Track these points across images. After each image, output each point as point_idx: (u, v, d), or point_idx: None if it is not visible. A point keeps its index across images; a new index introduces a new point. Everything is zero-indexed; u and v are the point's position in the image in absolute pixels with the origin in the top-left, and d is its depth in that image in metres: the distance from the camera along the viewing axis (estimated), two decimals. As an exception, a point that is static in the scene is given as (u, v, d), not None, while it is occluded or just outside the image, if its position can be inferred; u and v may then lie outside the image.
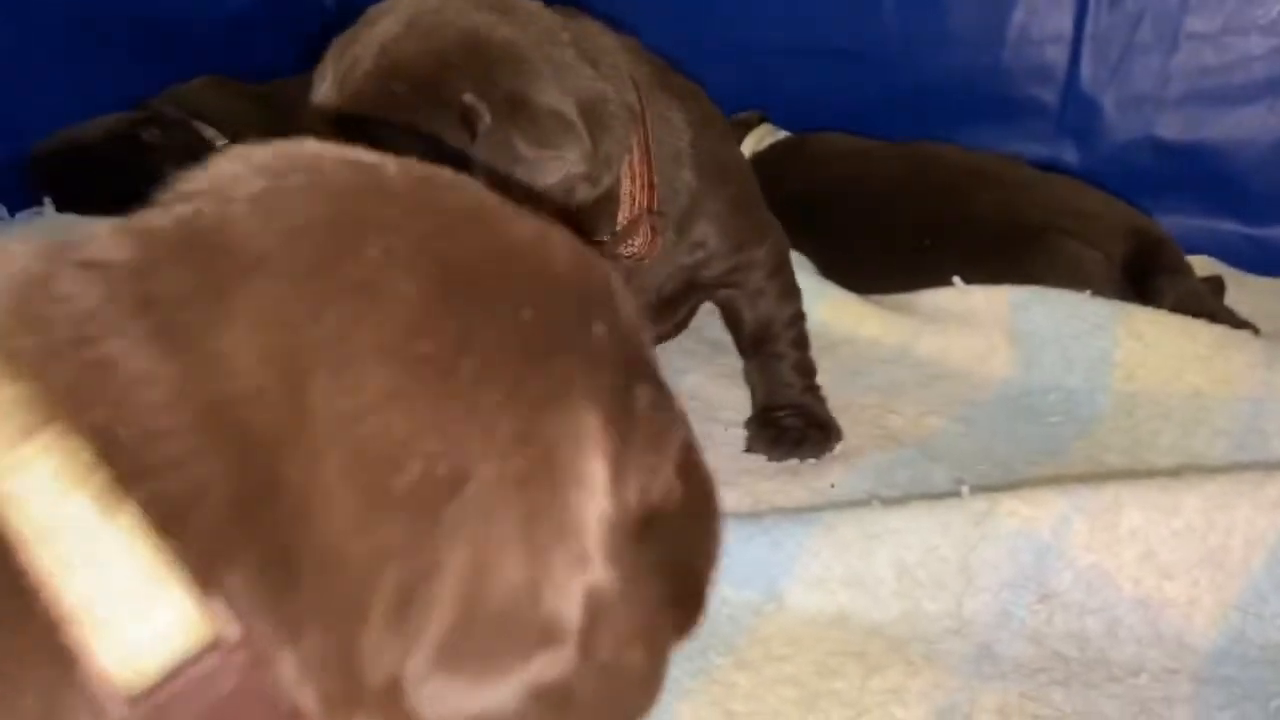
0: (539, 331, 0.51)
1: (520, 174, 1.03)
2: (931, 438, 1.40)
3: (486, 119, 1.01)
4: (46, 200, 2.34)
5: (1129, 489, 1.05)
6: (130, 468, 0.46)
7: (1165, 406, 1.38)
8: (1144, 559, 1.01)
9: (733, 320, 1.47)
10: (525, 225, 0.56)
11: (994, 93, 2.42)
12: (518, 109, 1.02)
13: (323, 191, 0.55)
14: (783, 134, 2.24)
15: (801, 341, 1.46)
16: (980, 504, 1.05)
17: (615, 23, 2.59)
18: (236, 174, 0.58)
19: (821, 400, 1.44)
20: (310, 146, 0.58)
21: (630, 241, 1.22)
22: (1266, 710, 0.91)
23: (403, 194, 0.55)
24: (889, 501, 1.15)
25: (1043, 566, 1.03)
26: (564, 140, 1.03)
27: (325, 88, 1.07)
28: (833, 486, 1.26)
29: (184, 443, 0.47)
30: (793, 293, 1.47)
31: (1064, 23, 2.32)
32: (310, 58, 1.50)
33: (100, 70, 2.57)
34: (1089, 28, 2.30)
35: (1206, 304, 1.63)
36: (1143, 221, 1.70)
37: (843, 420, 1.44)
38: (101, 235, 0.55)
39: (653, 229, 1.23)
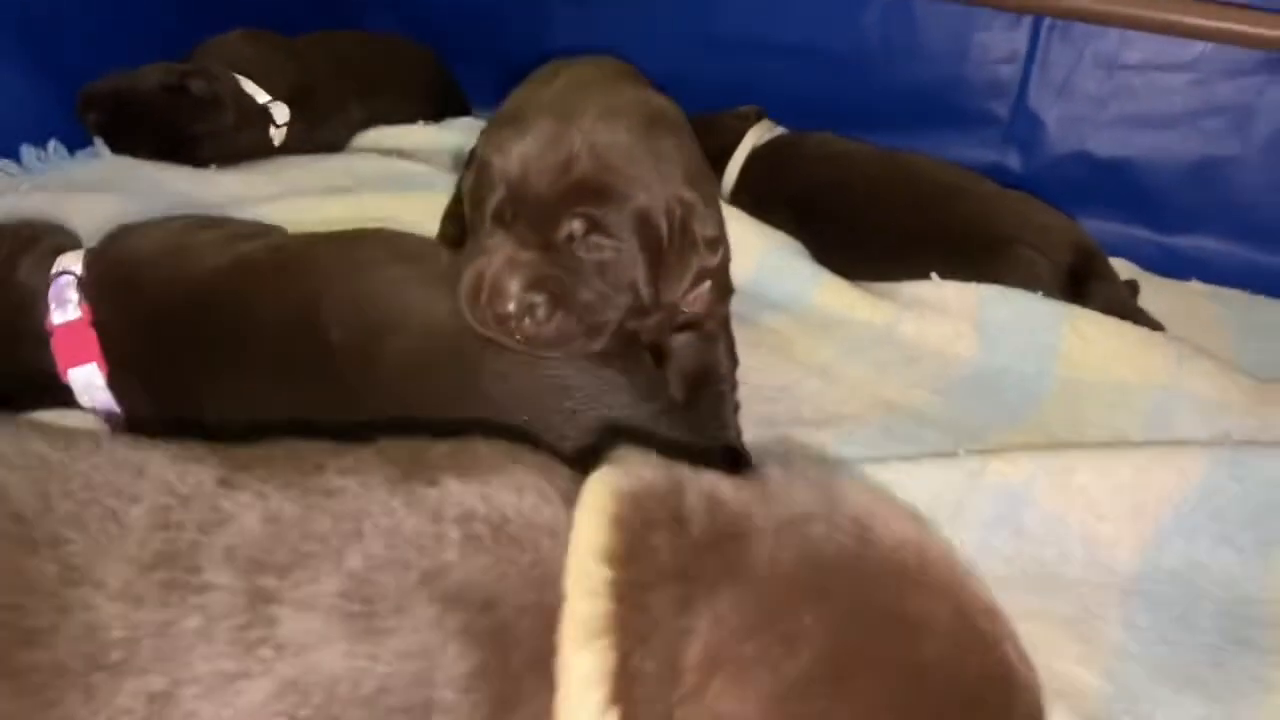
0: None
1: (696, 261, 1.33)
2: (920, 406, 1.76)
3: (700, 207, 1.31)
4: (97, 141, 2.53)
5: (1080, 455, 1.43)
6: None
7: (1098, 390, 1.77)
8: (1087, 507, 1.40)
9: (680, 361, 1.58)
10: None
11: (953, 102, 2.79)
12: (710, 202, 1.34)
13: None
14: (779, 130, 2.54)
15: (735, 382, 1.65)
16: (973, 463, 1.42)
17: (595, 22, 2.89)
18: (810, 513, 0.79)
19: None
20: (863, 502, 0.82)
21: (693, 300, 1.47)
22: (1171, 614, 1.31)
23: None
24: (901, 457, 1.50)
25: (1015, 510, 1.40)
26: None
27: (540, 177, 1.30)
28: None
29: None
30: (732, 340, 1.65)
31: (1019, 46, 2.69)
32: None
33: (139, 18, 2.75)
34: (1039, 54, 2.67)
35: (1129, 306, 2.03)
36: (1083, 236, 2.08)
37: (842, 390, 1.79)
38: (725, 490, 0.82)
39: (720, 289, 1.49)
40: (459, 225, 2.06)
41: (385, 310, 1.31)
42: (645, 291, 1.35)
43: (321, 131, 2.74)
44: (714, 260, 1.41)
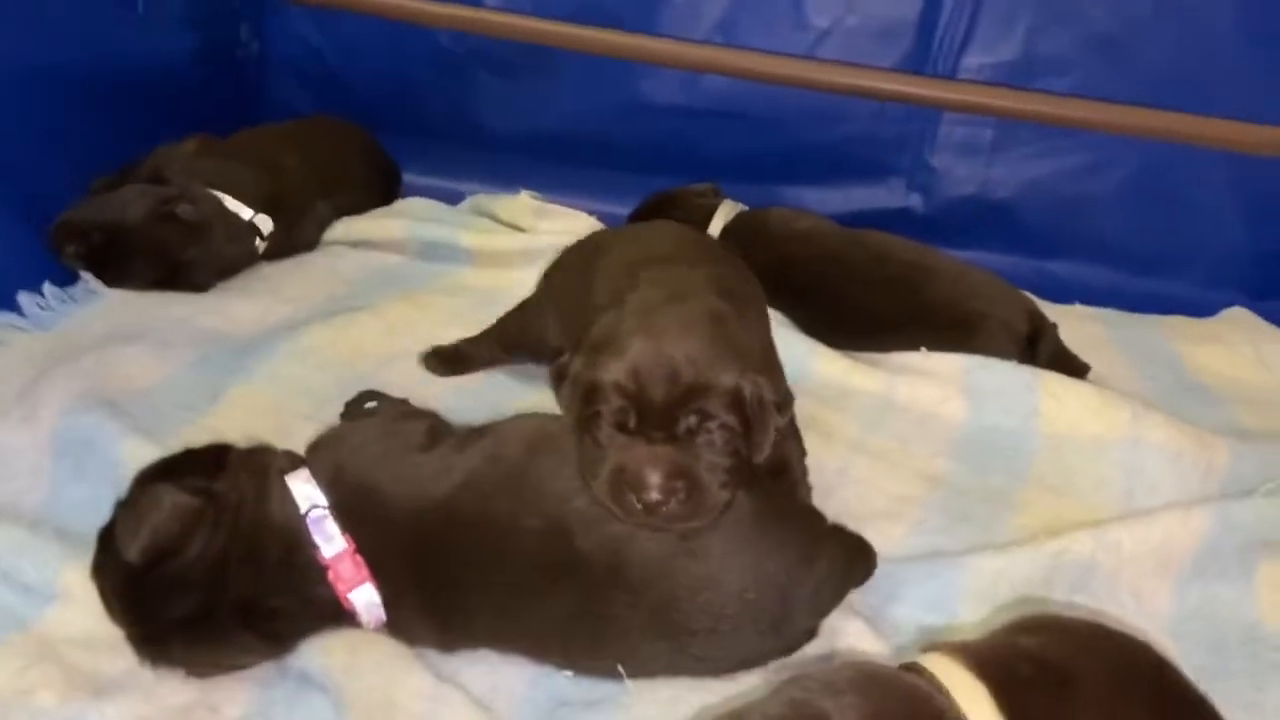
0: None
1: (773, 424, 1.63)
2: (948, 476, 2.17)
3: (766, 380, 1.62)
4: (86, 275, 2.55)
5: (1122, 527, 1.88)
6: None
7: (1077, 444, 2.22)
8: (1134, 567, 1.86)
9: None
10: None
11: (863, 156, 3.19)
12: (773, 367, 1.71)
13: None
14: (740, 206, 2.87)
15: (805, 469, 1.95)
16: (1053, 545, 1.84)
17: (518, 92, 3.09)
18: None
19: None
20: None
21: None
22: (1205, 648, 1.77)
23: None
24: (986, 546, 1.91)
25: (1086, 578, 1.84)
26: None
27: (655, 388, 1.54)
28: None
29: None
30: (798, 432, 1.95)
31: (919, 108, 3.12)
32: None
33: (67, 132, 2.73)
34: (937, 114, 3.11)
35: (1066, 356, 2.51)
36: (1032, 304, 2.54)
37: (884, 468, 2.17)
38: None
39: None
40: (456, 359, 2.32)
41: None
42: (746, 456, 1.63)
43: (295, 234, 2.83)
44: (785, 419, 1.70)
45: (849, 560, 1.71)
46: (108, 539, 1.54)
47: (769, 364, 1.79)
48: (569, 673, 1.60)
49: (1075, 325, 2.74)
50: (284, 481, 1.60)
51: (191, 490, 1.53)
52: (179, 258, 2.57)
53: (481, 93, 3.32)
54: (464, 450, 1.63)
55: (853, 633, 1.68)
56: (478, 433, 1.68)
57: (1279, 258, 3.02)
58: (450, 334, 2.50)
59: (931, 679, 1.12)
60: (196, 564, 1.49)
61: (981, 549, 1.88)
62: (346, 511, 1.57)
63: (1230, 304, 3.03)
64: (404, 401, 2.00)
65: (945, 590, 1.80)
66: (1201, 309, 3.01)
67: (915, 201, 3.18)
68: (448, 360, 2.35)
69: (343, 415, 2.06)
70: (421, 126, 3.36)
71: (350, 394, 2.23)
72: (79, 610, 1.64)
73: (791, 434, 1.93)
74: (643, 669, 1.58)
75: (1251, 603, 1.86)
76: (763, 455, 1.65)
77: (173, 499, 1.50)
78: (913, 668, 1.15)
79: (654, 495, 1.50)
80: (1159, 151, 2.98)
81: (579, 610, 1.54)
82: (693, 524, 1.54)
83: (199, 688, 1.54)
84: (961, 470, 2.19)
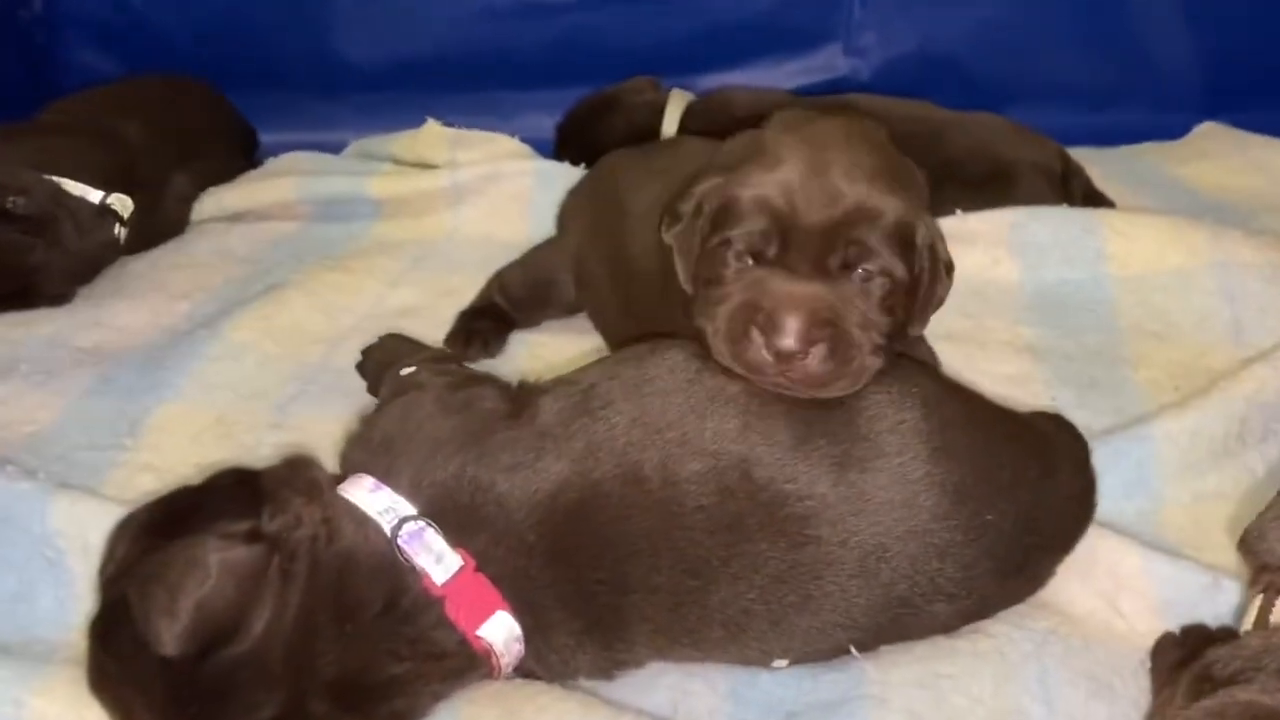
0: None
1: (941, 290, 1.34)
2: (1040, 344, 1.86)
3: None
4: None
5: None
6: None
7: (1159, 280, 1.96)
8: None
9: None
10: None
11: (789, 25, 2.85)
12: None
13: None
14: (690, 96, 2.47)
15: None
16: (1240, 387, 1.56)
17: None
18: None
19: None
20: None
21: None
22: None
23: None
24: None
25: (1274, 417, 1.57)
26: None
27: (808, 205, 1.23)
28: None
29: None
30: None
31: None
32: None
33: None
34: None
35: (1097, 192, 2.25)
36: (1054, 141, 2.26)
37: (971, 347, 1.85)
38: None
39: None
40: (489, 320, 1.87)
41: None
42: (902, 321, 1.33)
43: (158, 216, 2.26)
44: (949, 287, 1.39)
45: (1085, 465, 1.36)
46: (114, 632, 1.03)
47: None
48: (782, 663, 1.20)
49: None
50: (347, 499, 1.12)
51: (240, 538, 1.03)
52: (22, 264, 1.96)
53: (334, 19, 2.81)
54: (566, 406, 1.19)
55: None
56: (568, 382, 1.25)
57: (1230, 69, 2.85)
58: (399, 299, 2.03)
59: None
60: (268, 643, 1.01)
61: (1155, 415, 1.57)
62: (446, 521, 1.12)
63: (1191, 124, 2.84)
64: (443, 352, 1.62)
65: (1140, 471, 1.49)
66: (1167, 133, 2.82)
67: (855, 67, 2.86)
68: (482, 332, 1.88)
69: (370, 388, 1.62)
70: (268, 74, 2.80)
71: (312, 388, 1.77)
72: (69, 748, 1.12)
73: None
74: (865, 638, 1.20)
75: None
76: (923, 327, 1.36)
77: (220, 555, 1.01)
78: None
79: (789, 342, 1.17)
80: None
81: (782, 568, 1.15)
82: (830, 390, 1.20)
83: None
84: (1051, 335, 1.91)
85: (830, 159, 1.26)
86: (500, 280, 1.96)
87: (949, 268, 1.34)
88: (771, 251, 1.23)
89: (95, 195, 2.11)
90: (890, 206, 1.25)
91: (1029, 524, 1.23)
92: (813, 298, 1.20)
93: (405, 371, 1.39)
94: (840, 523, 1.15)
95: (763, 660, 1.20)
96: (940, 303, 1.36)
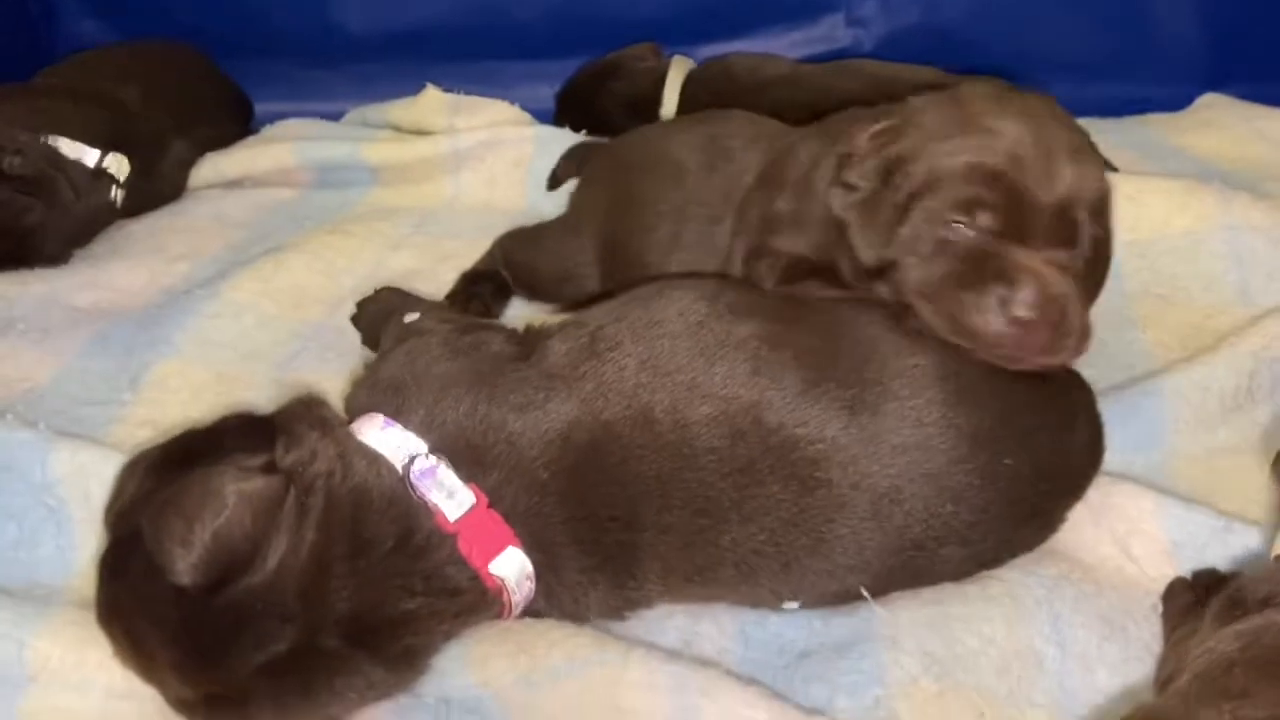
0: None
1: None
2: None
3: None
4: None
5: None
6: None
7: (1168, 244, 1.95)
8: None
9: None
10: None
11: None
12: None
13: None
14: (690, 63, 2.45)
15: None
16: (1248, 343, 1.55)
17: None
18: None
19: None
20: None
21: None
22: None
23: None
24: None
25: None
26: None
27: (1046, 181, 1.22)
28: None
29: None
30: None
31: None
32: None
33: None
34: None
35: (1101, 158, 2.23)
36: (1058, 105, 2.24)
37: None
38: None
39: None
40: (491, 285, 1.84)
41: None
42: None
43: (155, 181, 2.23)
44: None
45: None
46: (126, 563, 1.01)
47: None
48: (793, 604, 1.19)
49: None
50: (358, 438, 1.10)
51: (256, 470, 1.02)
52: (19, 225, 1.94)
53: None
54: (574, 348, 1.18)
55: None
56: (577, 324, 1.24)
57: (1234, 42, 2.83)
58: (400, 262, 2.01)
59: None
60: (282, 576, 1.00)
61: (1165, 370, 1.56)
62: (457, 459, 1.11)
63: (1194, 95, 2.82)
64: (443, 304, 1.62)
65: (1151, 425, 1.48)
66: (1170, 104, 2.80)
67: (857, 37, 2.82)
68: (483, 295, 1.85)
69: (365, 339, 1.61)
70: (265, 43, 2.77)
71: (312, 346, 1.75)
72: (71, 692, 1.10)
73: None
74: (876, 582, 1.19)
75: None
76: (1094, 301, 1.34)
77: (237, 485, 0.99)
78: None
79: (1034, 312, 1.17)
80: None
81: (794, 511, 1.14)
82: (1060, 356, 1.23)
83: (298, 757, 1.03)
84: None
85: (1049, 134, 1.25)
86: (507, 257, 1.91)
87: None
88: (1000, 225, 1.22)
89: (91, 156, 2.08)
90: (1100, 184, 1.28)
91: (1045, 470, 1.21)
92: (1051, 270, 1.20)
93: (409, 319, 1.37)
94: (852, 465, 1.14)
95: (773, 601, 1.19)
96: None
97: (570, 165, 2.16)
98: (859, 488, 1.14)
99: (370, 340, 1.61)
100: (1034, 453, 1.20)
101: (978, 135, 1.25)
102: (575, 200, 1.95)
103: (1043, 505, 1.24)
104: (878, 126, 1.35)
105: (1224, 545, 1.25)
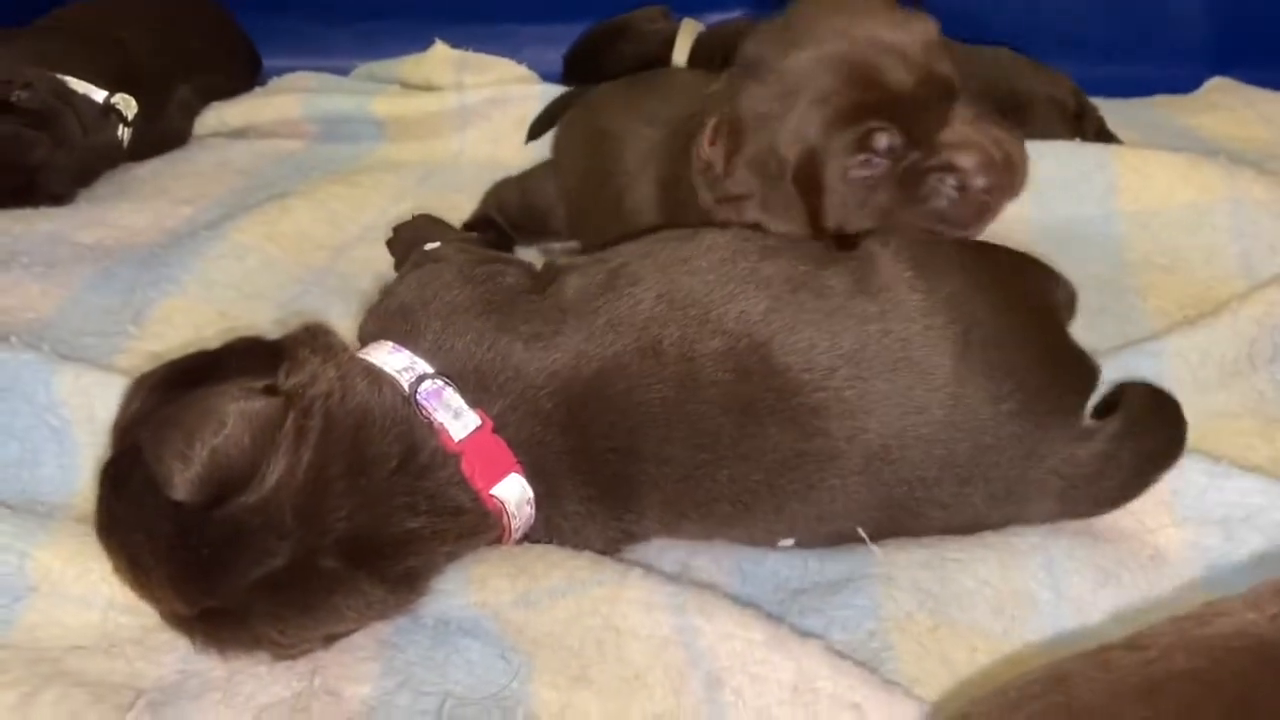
0: None
1: None
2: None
3: None
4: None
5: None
6: None
7: (1171, 216, 1.95)
8: None
9: None
10: None
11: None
12: None
13: None
14: (700, 25, 2.44)
15: None
16: (1251, 309, 1.55)
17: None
18: None
19: None
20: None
21: None
22: None
23: None
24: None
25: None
26: None
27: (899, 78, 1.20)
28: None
29: None
30: None
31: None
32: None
33: None
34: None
35: (1107, 131, 2.25)
36: (1071, 81, 2.25)
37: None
38: None
39: None
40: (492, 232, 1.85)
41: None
42: None
43: (161, 125, 2.23)
44: None
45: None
46: (125, 476, 1.01)
47: None
48: (788, 541, 1.20)
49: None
50: (365, 360, 1.11)
51: (257, 392, 1.03)
52: (27, 159, 1.94)
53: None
54: (591, 283, 1.18)
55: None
56: (599, 260, 1.23)
57: (1243, 26, 2.83)
58: (404, 212, 2.00)
59: None
60: (280, 494, 1.00)
61: (1163, 333, 1.57)
62: (464, 384, 1.12)
63: (1203, 78, 2.82)
64: (470, 235, 1.62)
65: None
66: (1179, 87, 2.80)
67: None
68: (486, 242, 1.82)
69: (396, 265, 1.64)
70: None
71: (315, 289, 1.75)
72: (72, 603, 1.11)
73: None
74: (866, 530, 1.19)
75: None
76: None
77: (237, 404, 0.99)
78: None
79: (990, 176, 1.23)
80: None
81: (790, 455, 1.13)
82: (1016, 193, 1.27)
83: (296, 672, 1.04)
84: (1059, 265, 1.87)
85: (854, 30, 1.22)
86: (497, 199, 1.93)
87: None
88: (900, 133, 1.20)
89: (99, 94, 2.08)
90: (926, 24, 1.25)
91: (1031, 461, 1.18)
92: (971, 127, 1.22)
93: (429, 247, 1.37)
94: (850, 418, 1.13)
95: (769, 539, 1.20)
96: None
97: (546, 119, 2.19)
98: (854, 441, 1.13)
99: (400, 265, 1.62)
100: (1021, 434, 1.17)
101: (800, 92, 1.22)
102: (554, 142, 2.00)
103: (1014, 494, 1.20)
104: (708, 131, 1.32)
105: (1221, 492, 1.25)
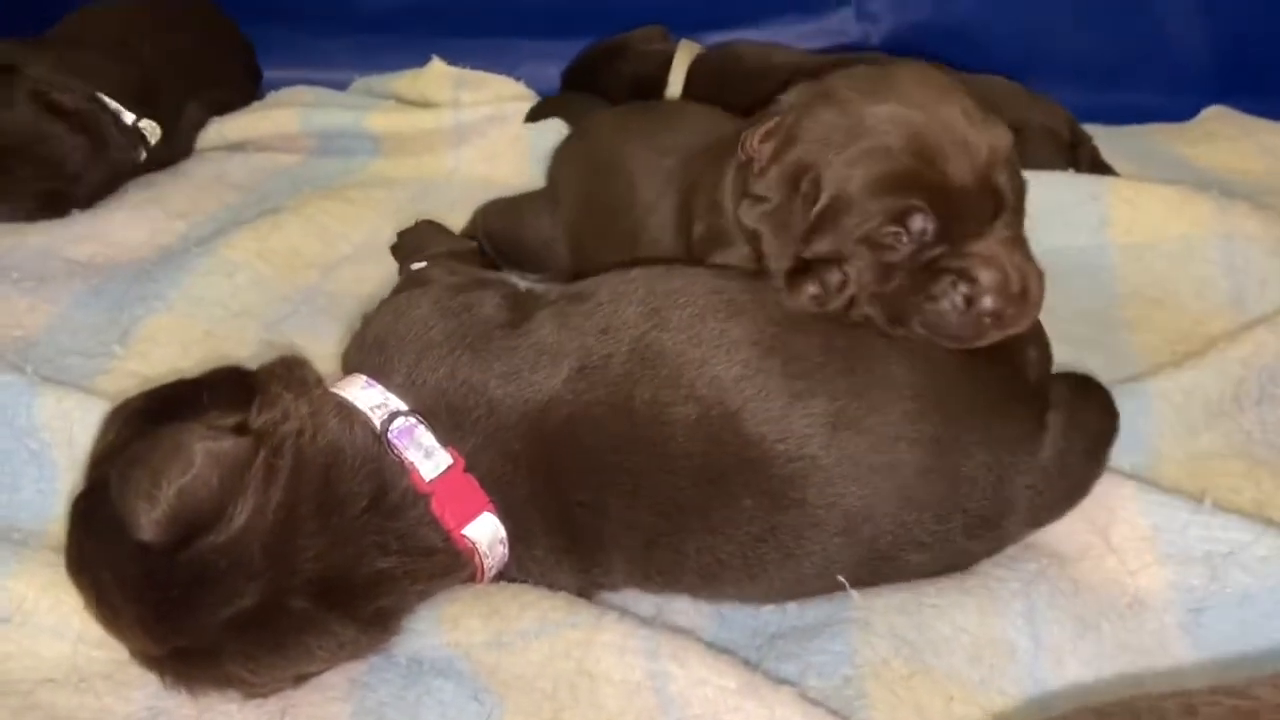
0: None
1: None
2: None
3: None
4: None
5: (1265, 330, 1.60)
6: None
7: (1163, 249, 1.95)
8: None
9: None
10: None
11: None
12: None
13: None
14: (698, 47, 2.44)
15: None
16: (1244, 349, 1.55)
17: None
18: None
19: None
20: None
21: None
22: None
23: None
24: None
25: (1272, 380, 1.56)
26: None
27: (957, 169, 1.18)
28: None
29: None
30: None
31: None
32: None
33: None
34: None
35: (1105, 168, 2.24)
36: (1066, 111, 2.25)
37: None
38: None
39: None
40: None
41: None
42: None
43: (172, 140, 2.23)
44: None
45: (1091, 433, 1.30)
46: (95, 513, 1.01)
47: None
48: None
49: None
50: (338, 395, 1.10)
51: (227, 430, 1.02)
52: (67, 161, 1.94)
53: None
54: (566, 323, 1.17)
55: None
56: (575, 298, 1.22)
57: (1241, 55, 2.82)
58: (391, 230, 2.01)
59: None
60: (249, 534, 1.00)
61: (1150, 373, 1.57)
62: (436, 422, 1.11)
63: (1200, 107, 2.82)
64: (464, 245, 1.64)
65: (1135, 425, 1.46)
66: (1176, 115, 2.79)
67: (866, 32, 2.82)
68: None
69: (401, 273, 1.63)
70: (271, 9, 2.75)
71: (304, 309, 1.76)
72: (45, 635, 1.10)
73: None
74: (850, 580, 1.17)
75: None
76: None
77: (205, 444, 0.99)
78: None
79: (998, 303, 1.17)
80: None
81: (764, 528, 1.12)
82: (1019, 329, 1.22)
83: (267, 711, 1.04)
84: (1049, 296, 1.86)
85: (940, 111, 1.19)
86: (485, 225, 1.90)
87: None
88: (936, 223, 1.17)
89: (129, 116, 2.08)
90: (1005, 137, 1.22)
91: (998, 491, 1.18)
92: (1002, 247, 1.18)
93: (416, 266, 1.37)
94: (829, 486, 1.11)
95: (743, 602, 1.19)
96: None
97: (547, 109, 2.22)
98: (833, 508, 1.11)
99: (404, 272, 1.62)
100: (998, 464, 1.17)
101: (869, 137, 1.19)
102: (549, 175, 1.96)
103: (995, 526, 1.20)
104: (766, 126, 1.30)
105: (1205, 529, 1.24)
